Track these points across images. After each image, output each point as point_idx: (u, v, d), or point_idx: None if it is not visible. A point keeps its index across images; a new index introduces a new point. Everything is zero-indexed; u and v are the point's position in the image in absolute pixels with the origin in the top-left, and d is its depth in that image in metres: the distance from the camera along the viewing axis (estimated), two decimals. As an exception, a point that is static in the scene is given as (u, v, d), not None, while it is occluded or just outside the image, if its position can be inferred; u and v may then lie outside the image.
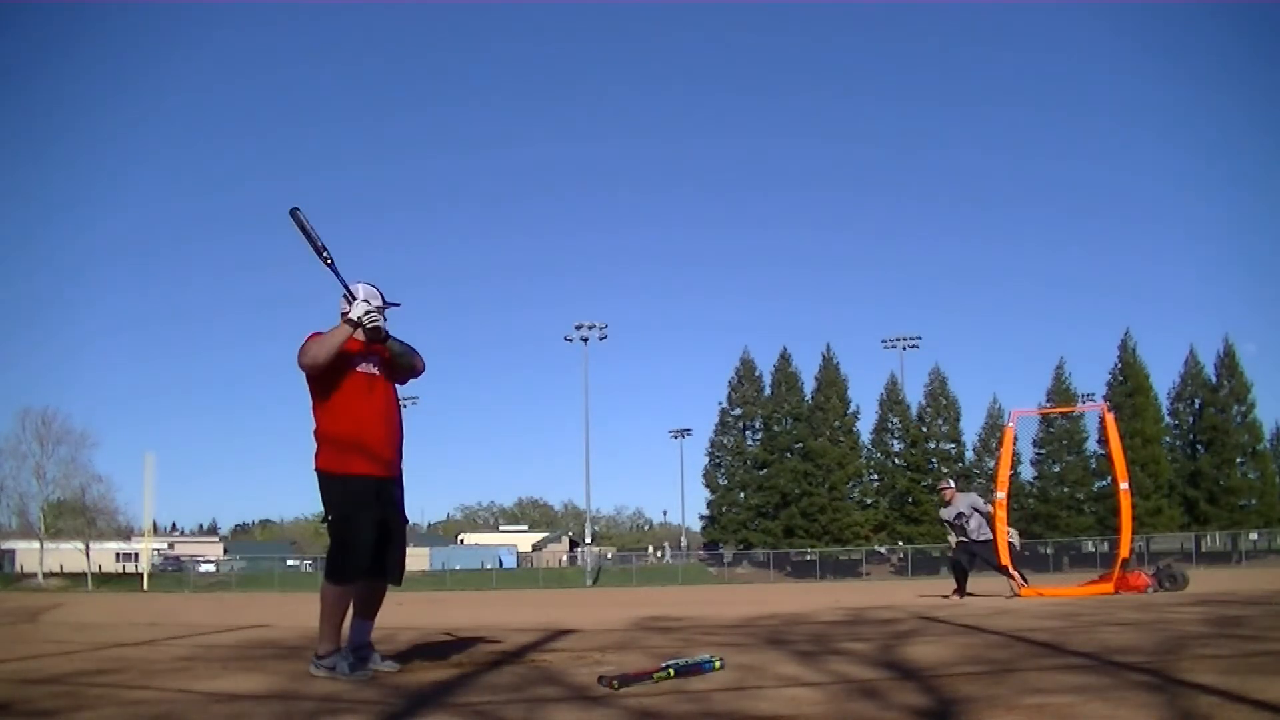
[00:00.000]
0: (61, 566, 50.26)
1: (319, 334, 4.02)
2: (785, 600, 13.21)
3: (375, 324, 3.99)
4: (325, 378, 4.00)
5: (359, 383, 4.05)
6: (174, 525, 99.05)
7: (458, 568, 59.24)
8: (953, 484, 12.69)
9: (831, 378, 54.23)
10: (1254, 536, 51.46)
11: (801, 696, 3.26)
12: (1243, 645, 4.46)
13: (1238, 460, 50.07)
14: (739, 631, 6.42)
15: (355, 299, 4.02)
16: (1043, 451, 52.18)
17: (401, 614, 10.62)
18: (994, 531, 11.40)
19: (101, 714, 3.14)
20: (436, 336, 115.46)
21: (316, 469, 4.04)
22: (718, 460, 55.53)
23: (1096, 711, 2.79)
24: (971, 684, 3.44)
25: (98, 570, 50.83)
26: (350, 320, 3.97)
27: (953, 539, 11.88)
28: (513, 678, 3.89)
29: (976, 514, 11.59)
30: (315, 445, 4.05)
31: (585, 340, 56.06)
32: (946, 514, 11.90)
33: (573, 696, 3.40)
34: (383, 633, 4.96)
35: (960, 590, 11.32)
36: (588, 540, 59.91)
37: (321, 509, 4.04)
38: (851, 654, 4.55)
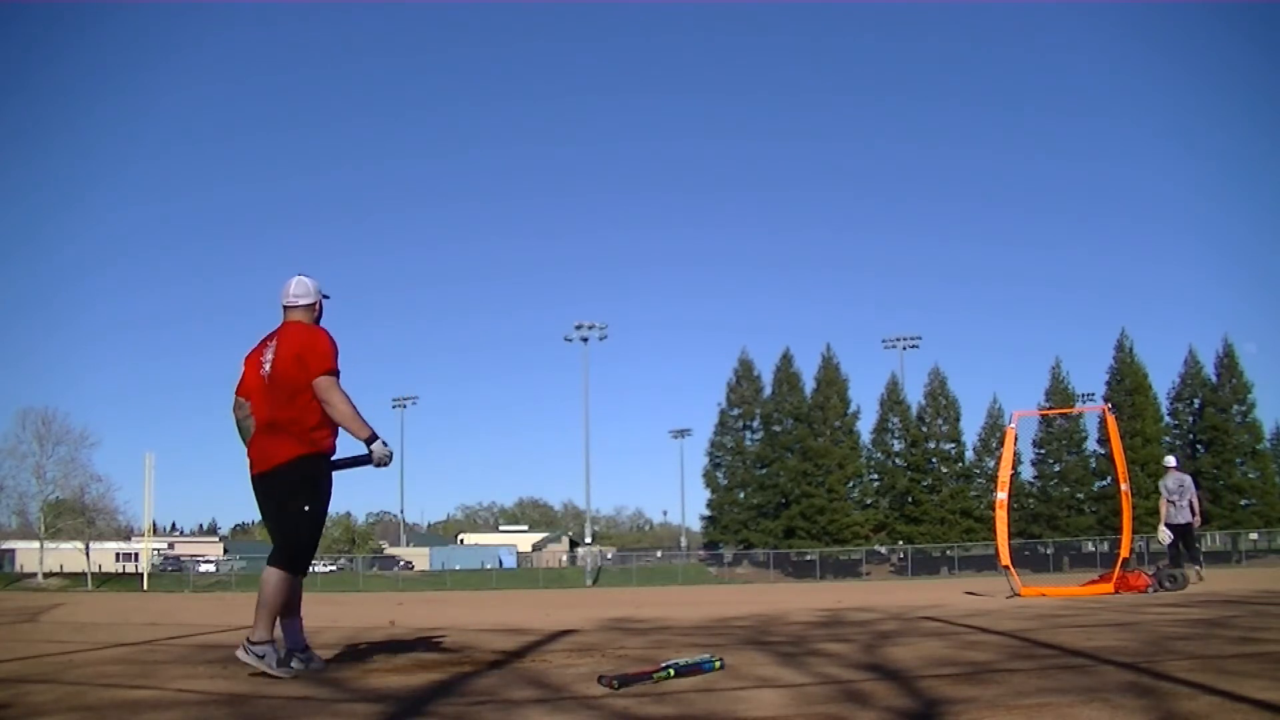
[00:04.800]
0: (61, 566, 50.21)
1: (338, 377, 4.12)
2: (787, 599, 13.20)
3: (382, 464, 4.19)
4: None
5: None
6: (174, 525, 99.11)
7: (458, 568, 59.21)
8: (1171, 461, 12.84)
9: (832, 377, 54.19)
10: (1254, 536, 51.44)
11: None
12: (1242, 646, 4.45)
13: (1237, 460, 50.04)
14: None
15: (376, 444, 4.14)
16: (1043, 451, 52.15)
17: (400, 613, 10.62)
18: (1193, 512, 11.83)
19: (102, 714, 3.14)
20: (437, 336, 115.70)
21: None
22: (718, 460, 55.49)
23: (1098, 714, 2.78)
24: (968, 685, 3.44)
25: (98, 570, 50.78)
26: (372, 449, 4.12)
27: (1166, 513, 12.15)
28: (494, 680, 3.88)
29: (1180, 494, 11.89)
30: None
31: (585, 340, 56.22)
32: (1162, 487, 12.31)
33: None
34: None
35: (1171, 566, 11.50)
36: (588, 540, 59.91)
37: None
38: (837, 655, 4.54)
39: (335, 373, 4.10)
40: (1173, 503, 11.91)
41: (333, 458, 4.23)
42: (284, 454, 4.08)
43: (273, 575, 4.04)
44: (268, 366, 4.16)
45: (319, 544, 4.32)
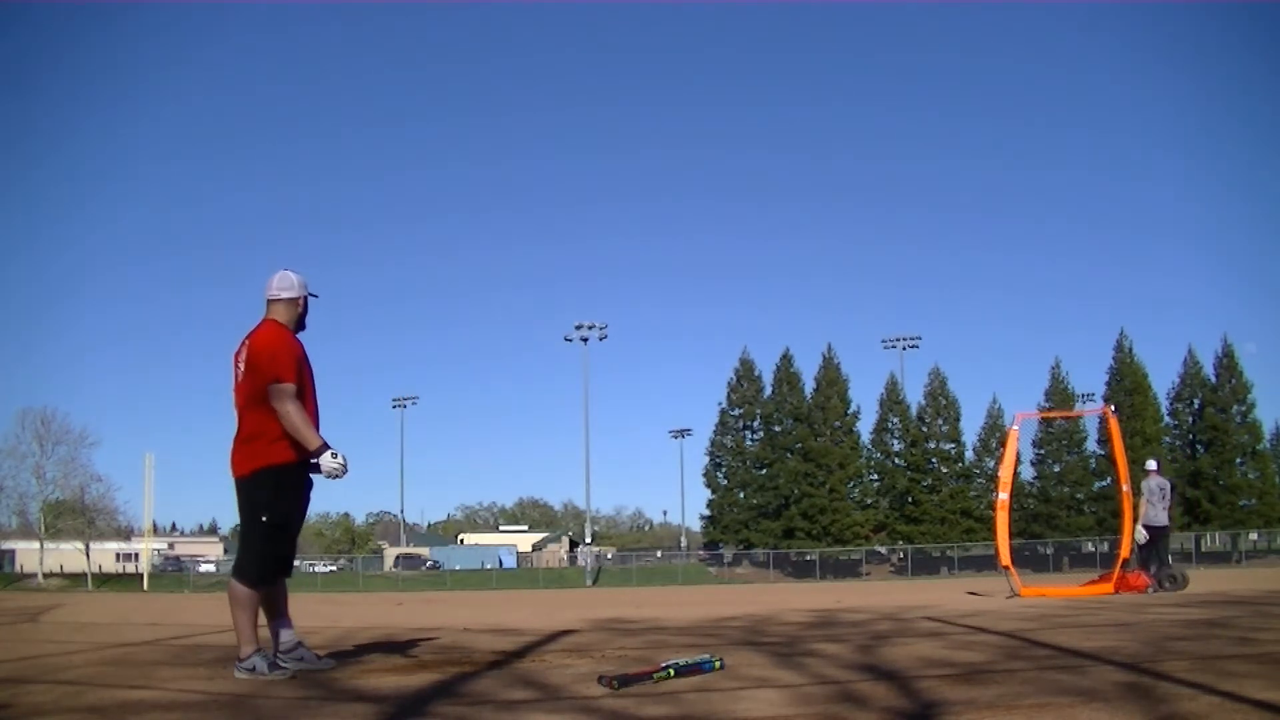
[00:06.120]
0: (61, 566, 50.25)
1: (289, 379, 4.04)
2: (785, 600, 13.20)
3: (333, 477, 4.11)
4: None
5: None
6: (174, 525, 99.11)
7: (458, 568, 59.18)
8: (1152, 464, 12.86)
9: (832, 378, 54.17)
10: (1254, 536, 51.51)
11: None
12: (1242, 646, 4.45)
13: (1237, 460, 50.04)
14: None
15: (324, 456, 4.04)
16: (1043, 451, 52.16)
17: (400, 614, 10.63)
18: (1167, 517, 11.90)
19: (102, 714, 3.14)
20: (438, 336, 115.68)
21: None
22: (718, 460, 55.48)
23: (1098, 714, 2.78)
24: (967, 685, 3.43)
25: (98, 570, 50.80)
26: (320, 461, 4.03)
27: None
28: (494, 680, 3.88)
29: (1160, 497, 11.93)
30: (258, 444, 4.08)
31: (585, 340, 56.16)
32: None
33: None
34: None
35: (1163, 566, 11.59)
36: (588, 540, 59.87)
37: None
38: (833, 656, 4.54)
39: (288, 380, 4.02)
40: (1153, 504, 11.94)
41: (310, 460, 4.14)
42: (244, 466, 4.08)
43: (232, 588, 4.06)
44: (242, 367, 4.15)
45: (291, 555, 4.28)
